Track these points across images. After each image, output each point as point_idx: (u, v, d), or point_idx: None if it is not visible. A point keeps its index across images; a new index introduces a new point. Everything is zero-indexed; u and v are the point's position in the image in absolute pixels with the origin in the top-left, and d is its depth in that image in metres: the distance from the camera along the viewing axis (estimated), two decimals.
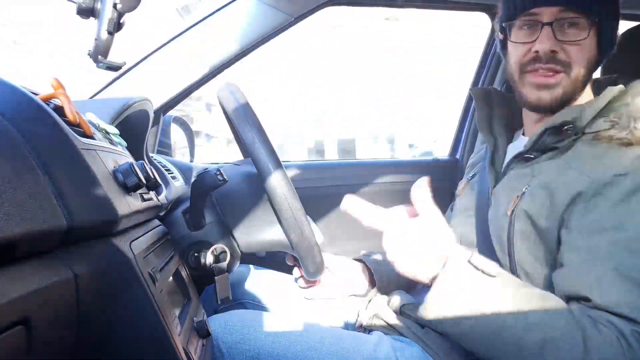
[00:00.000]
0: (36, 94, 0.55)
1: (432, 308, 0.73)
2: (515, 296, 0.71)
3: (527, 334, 0.69)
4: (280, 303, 1.11)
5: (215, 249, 0.94)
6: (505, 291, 0.72)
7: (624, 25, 0.98)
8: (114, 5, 0.63)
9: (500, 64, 1.72)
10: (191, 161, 1.61)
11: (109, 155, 0.62)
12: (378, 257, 1.14)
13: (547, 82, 0.86)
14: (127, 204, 0.58)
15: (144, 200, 0.68)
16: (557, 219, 0.78)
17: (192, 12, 1.35)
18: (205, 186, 0.91)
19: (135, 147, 1.03)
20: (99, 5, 0.63)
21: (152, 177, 0.68)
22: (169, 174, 1.15)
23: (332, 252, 1.14)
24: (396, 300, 1.01)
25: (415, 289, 1.05)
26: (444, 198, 1.79)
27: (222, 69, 1.40)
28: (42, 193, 0.44)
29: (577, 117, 0.82)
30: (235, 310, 1.00)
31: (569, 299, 0.75)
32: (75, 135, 0.53)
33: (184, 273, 0.85)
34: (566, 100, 0.87)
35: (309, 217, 0.86)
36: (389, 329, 0.96)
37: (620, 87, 0.86)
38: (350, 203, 0.76)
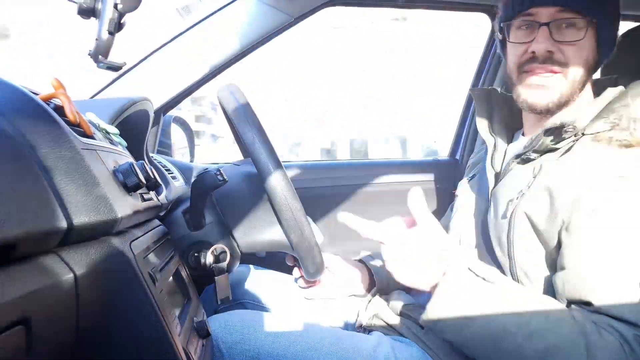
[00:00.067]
0: (36, 94, 0.55)
1: (434, 316, 0.73)
2: (517, 303, 0.71)
3: (529, 341, 0.69)
4: (280, 303, 1.11)
5: (215, 249, 0.94)
6: (507, 298, 0.72)
7: (624, 26, 0.98)
8: (115, 6, 0.63)
9: (500, 64, 1.72)
10: (191, 161, 1.61)
11: (109, 155, 0.62)
12: (378, 257, 1.14)
13: (544, 83, 0.86)
14: (127, 204, 0.58)
15: (144, 200, 0.68)
16: (557, 220, 0.78)
17: (193, 12, 1.35)
18: (205, 186, 0.91)
19: (136, 147, 1.03)
20: (99, 6, 0.63)
21: (152, 177, 0.68)
22: (169, 174, 1.15)
23: (332, 252, 1.14)
24: (396, 300, 1.01)
25: (415, 290, 1.05)
26: (444, 198, 1.79)
27: (222, 69, 1.40)
28: (42, 193, 0.44)
29: (577, 118, 0.81)
30: (235, 310, 1.00)
31: (570, 302, 0.75)
32: (76, 135, 0.53)
33: (184, 273, 0.85)
34: (563, 102, 0.87)
35: (309, 218, 0.86)
36: (388, 329, 0.96)
37: (620, 88, 0.85)
38: (347, 217, 0.78)
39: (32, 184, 0.44)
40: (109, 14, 0.63)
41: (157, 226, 0.80)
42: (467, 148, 1.86)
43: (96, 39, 0.64)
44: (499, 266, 0.86)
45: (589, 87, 0.91)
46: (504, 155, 0.99)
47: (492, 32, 1.71)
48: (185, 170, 1.32)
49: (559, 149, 0.85)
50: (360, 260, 1.15)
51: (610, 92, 0.85)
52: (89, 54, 0.66)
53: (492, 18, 1.64)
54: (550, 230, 0.79)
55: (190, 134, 1.63)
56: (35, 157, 0.46)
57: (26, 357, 0.41)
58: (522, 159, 0.89)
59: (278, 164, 0.81)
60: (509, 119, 1.01)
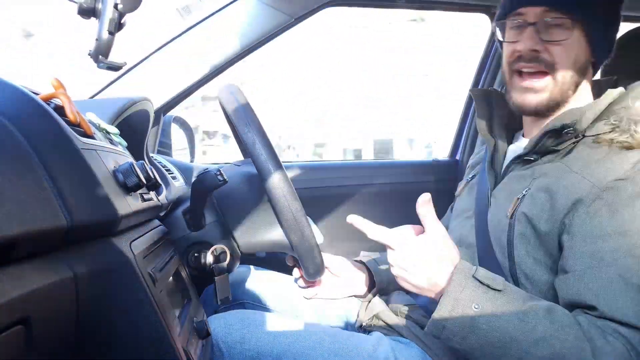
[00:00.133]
0: (37, 94, 0.55)
1: (439, 324, 0.73)
2: (522, 310, 0.71)
3: (534, 348, 0.69)
4: (280, 303, 1.11)
5: (215, 249, 0.94)
6: (512, 305, 0.72)
7: (624, 27, 0.98)
8: (115, 6, 0.63)
9: (500, 64, 1.72)
10: (191, 161, 1.61)
11: (109, 155, 0.62)
12: (378, 258, 1.14)
13: (533, 85, 0.86)
14: (127, 204, 0.58)
15: (144, 200, 0.68)
16: (558, 222, 0.78)
17: (193, 13, 1.35)
18: (205, 186, 0.91)
19: (136, 147, 1.03)
20: (100, 6, 0.63)
21: (153, 177, 0.68)
22: (169, 174, 1.15)
23: (332, 252, 1.14)
24: (396, 301, 1.01)
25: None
26: (444, 199, 1.79)
27: (222, 69, 1.40)
28: (42, 193, 0.44)
29: (577, 120, 0.81)
30: (235, 310, 1.00)
31: (573, 306, 0.74)
32: (76, 135, 0.53)
33: (184, 273, 0.85)
34: (553, 104, 0.87)
35: (309, 218, 0.86)
36: (388, 329, 0.96)
37: (621, 89, 0.85)
38: (355, 219, 0.79)
39: (32, 183, 0.44)
40: (109, 14, 0.63)
41: (157, 226, 0.80)
42: (467, 149, 1.86)
43: (96, 39, 0.64)
44: (499, 267, 0.86)
45: (587, 88, 0.91)
46: (504, 156, 0.99)
47: (492, 32, 1.71)
48: (185, 171, 1.32)
49: (559, 150, 0.85)
50: (360, 261, 1.15)
51: (611, 94, 0.85)
52: (89, 54, 0.67)
53: (492, 18, 1.64)
54: (550, 232, 0.79)
55: (190, 134, 1.63)
56: (36, 156, 0.46)
57: (26, 357, 0.41)
58: (523, 160, 0.89)
59: (278, 165, 0.81)
60: (509, 120, 1.01)
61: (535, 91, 0.87)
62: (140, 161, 0.68)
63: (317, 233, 0.93)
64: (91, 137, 0.61)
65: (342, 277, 1.10)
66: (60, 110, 0.57)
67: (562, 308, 0.74)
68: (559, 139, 0.83)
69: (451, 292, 0.73)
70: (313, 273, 0.91)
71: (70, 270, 0.46)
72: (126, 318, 0.54)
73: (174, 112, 1.50)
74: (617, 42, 0.93)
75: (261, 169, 0.81)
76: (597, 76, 0.96)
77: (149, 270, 0.59)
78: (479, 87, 1.77)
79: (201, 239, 0.95)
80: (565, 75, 0.85)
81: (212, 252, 0.94)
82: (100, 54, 0.65)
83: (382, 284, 1.09)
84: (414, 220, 0.81)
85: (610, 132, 0.80)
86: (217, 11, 1.37)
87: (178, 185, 1.12)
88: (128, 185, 0.60)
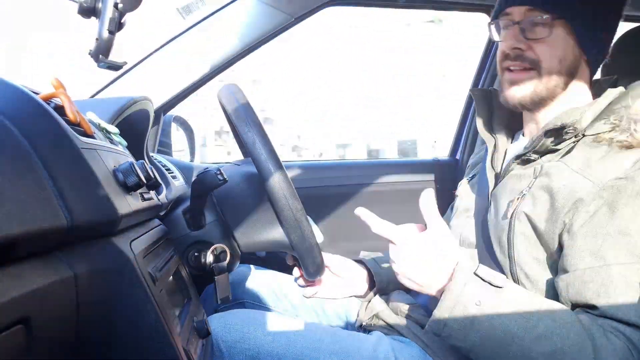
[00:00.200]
0: (37, 94, 0.55)
1: (441, 321, 0.73)
2: (523, 307, 0.71)
3: (536, 345, 0.69)
4: (280, 303, 1.11)
5: (215, 248, 0.94)
6: (513, 302, 0.72)
7: (624, 27, 0.98)
8: (115, 5, 0.63)
9: None
10: (191, 161, 1.61)
11: (109, 154, 0.62)
12: (378, 258, 1.14)
13: (516, 78, 0.88)
14: (127, 204, 0.58)
15: (144, 199, 0.68)
16: (558, 222, 0.78)
17: (193, 12, 1.35)
18: (205, 186, 0.91)
19: (136, 147, 1.03)
20: (100, 5, 0.63)
21: (153, 176, 0.68)
22: (169, 173, 1.15)
23: (332, 252, 1.14)
24: (396, 300, 1.01)
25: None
26: (444, 198, 1.79)
27: (222, 69, 1.40)
28: (42, 192, 0.44)
29: (577, 119, 0.81)
30: (235, 309, 1.00)
31: (574, 306, 0.75)
32: (76, 134, 0.53)
33: (184, 273, 0.85)
34: (538, 99, 0.88)
35: (309, 217, 0.86)
36: (388, 329, 0.96)
37: (621, 88, 0.85)
38: (362, 211, 0.80)
39: (32, 183, 0.44)
40: (109, 13, 0.63)
41: (157, 226, 0.80)
42: (467, 148, 1.86)
43: (96, 39, 0.64)
44: (499, 266, 0.86)
45: (582, 87, 0.91)
46: (504, 156, 0.99)
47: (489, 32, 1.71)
48: (185, 170, 1.32)
49: (559, 150, 0.85)
50: (360, 261, 1.15)
51: (610, 93, 0.85)
52: (90, 54, 0.67)
53: None
54: (550, 231, 0.79)
55: (190, 134, 1.63)
56: (36, 156, 0.46)
57: (26, 357, 0.41)
58: (523, 159, 0.89)
59: (278, 164, 0.81)
60: (509, 119, 1.01)
61: (518, 85, 0.88)
62: (140, 160, 0.68)
63: (317, 232, 0.93)
64: (91, 136, 0.61)
65: (342, 276, 1.10)
66: (60, 109, 0.57)
67: (564, 306, 0.74)
68: (559, 138, 0.83)
69: (453, 289, 0.73)
70: (313, 272, 0.91)
71: (71, 270, 0.46)
72: (126, 317, 0.54)
73: (173, 112, 1.50)
74: (617, 41, 0.93)
75: (261, 169, 0.81)
76: (598, 75, 0.96)
77: (149, 269, 0.59)
78: (479, 87, 1.77)
79: (201, 238, 0.95)
80: (550, 72, 0.86)
81: (212, 251, 0.94)
82: (101, 53, 0.65)
83: (382, 284, 1.09)
84: (414, 219, 0.81)
85: (610, 131, 0.80)
86: (217, 11, 1.37)
87: (178, 185, 1.12)
88: (128, 184, 0.60)
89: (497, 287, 0.73)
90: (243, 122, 0.82)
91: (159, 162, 1.18)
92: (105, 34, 0.64)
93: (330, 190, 1.74)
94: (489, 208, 0.92)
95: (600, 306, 0.70)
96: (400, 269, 0.78)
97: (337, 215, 1.72)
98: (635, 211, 0.73)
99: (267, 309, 1.09)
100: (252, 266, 1.22)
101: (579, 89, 0.90)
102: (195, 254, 0.95)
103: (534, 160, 0.87)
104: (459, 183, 1.12)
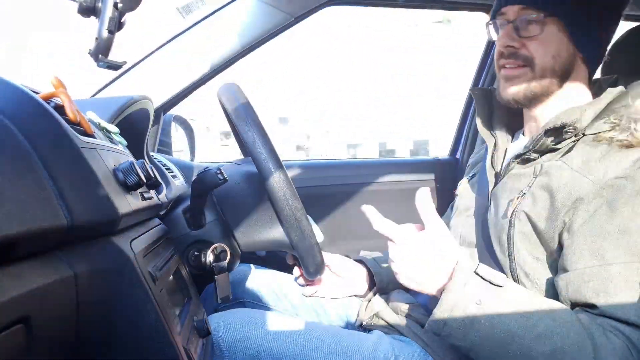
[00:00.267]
0: (37, 93, 0.55)
1: (441, 320, 0.73)
2: (524, 306, 0.71)
3: (536, 344, 0.69)
4: (281, 302, 1.11)
5: (215, 248, 0.94)
6: (513, 301, 0.72)
7: (624, 26, 0.98)
8: (115, 5, 0.63)
9: None
10: (191, 160, 1.61)
11: (109, 154, 0.62)
12: (378, 257, 1.14)
13: (510, 74, 0.90)
14: (127, 203, 0.58)
15: (144, 199, 0.68)
16: (558, 221, 0.78)
17: (193, 12, 1.35)
18: (205, 185, 0.91)
19: (136, 146, 1.03)
20: (100, 5, 0.63)
21: (153, 176, 0.68)
22: (169, 172, 1.15)
23: (332, 251, 1.14)
24: (396, 299, 1.01)
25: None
26: (444, 197, 1.80)
27: (222, 69, 1.40)
28: (42, 192, 0.44)
29: (577, 119, 0.81)
30: (236, 309, 1.00)
31: (574, 305, 0.75)
32: (76, 134, 0.53)
33: (184, 272, 0.85)
34: (532, 96, 0.89)
35: (309, 217, 0.86)
36: (388, 328, 0.96)
37: (621, 88, 0.85)
38: (367, 208, 0.81)
39: (32, 182, 0.44)
40: (109, 12, 0.63)
41: (158, 225, 0.80)
42: (467, 147, 1.86)
43: (96, 38, 0.64)
44: (499, 265, 0.86)
45: (580, 85, 0.91)
46: (504, 155, 0.99)
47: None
48: (185, 169, 1.32)
49: (559, 149, 0.85)
50: (360, 260, 1.15)
51: (611, 93, 0.85)
52: (89, 53, 0.67)
53: None
54: (550, 230, 0.79)
55: (190, 133, 1.63)
56: (36, 155, 0.46)
57: (26, 356, 0.41)
58: (523, 159, 0.89)
59: (278, 163, 0.81)
60: (509, 119, 1.02)
61: (512, 81, 0.90)
62: (141, 160, 0.68)
63: (317, 232, 0.93)
64: (91, 136, 0.61)
65: (342, 276, 1.10)
66: (60, 109, 0.57)
67: (564, 305, 0.74)
68: (559, 137, 0.83)
69: (453, 288, 0.73)
70: (313, 272, 0.91)
71: (71, 269, 0.46)
72: (126, 317, 0.54)
73: (173, 111, 1.50)
74: (617, 41, 0.93)
75: (261, 168, 0.81)
76: (598, 75, 0.96)
77: (149, 269, 0.59)
78: (479, 86, 1.77)
79: (201, 237, 0.95)
80: (543, 69, 0.87)
81: (213, 250, 0.94)
82: (100, 53, 0.65)
83: (382, 284, 1.09)
84: (414, 218, 0.81)
85: (610, 130, 0.80)
86: (217, 10, 1.37)
87: (178, 184, 1.12)
88: (128, 184, 0.60)
89: (497, 286, 0.73)
90: (243, 121, 0.82)
91: (159, 161, 1.18)
92: (105, 34, 0.64)
93: (330, 190, 1.74)
94: (489, 207, 0.92)
95: (599, 305, 0.70)
96: (399, 269, 0.78)
97: (337, 215, 1.72)
98: (635, 210, 0.73)
99: (267, 309, 1.09)
100: (252, 265, 1.22)
101: (577, 87, 0.90)
102: (196, 253, 0.95)
103: (533, 160, 0.87)
104: (459, 182, 1.12)
